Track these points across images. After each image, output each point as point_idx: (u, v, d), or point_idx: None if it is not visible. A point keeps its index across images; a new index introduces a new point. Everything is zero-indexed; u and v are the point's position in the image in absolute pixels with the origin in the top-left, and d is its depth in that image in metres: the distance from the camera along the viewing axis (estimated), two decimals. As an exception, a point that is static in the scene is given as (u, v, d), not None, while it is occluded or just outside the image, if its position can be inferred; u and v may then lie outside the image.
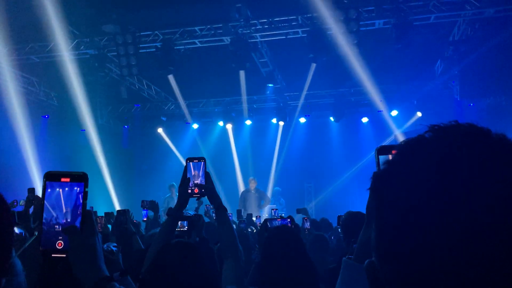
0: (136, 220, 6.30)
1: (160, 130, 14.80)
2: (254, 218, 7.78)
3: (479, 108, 12.41)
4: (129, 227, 3.86)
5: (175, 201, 2.36)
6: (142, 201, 6.34)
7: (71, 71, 10.88)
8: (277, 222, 3.19)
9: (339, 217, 4.64)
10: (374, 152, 1.27)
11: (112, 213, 6.56)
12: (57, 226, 1.12)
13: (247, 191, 11.12)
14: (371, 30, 9.26)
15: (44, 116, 12.68)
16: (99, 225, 4.86)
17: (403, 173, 0.63)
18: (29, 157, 11.13)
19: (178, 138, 15.44)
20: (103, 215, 5.56)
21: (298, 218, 12.76)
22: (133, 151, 15.37)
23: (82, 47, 10.32)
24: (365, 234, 1.34)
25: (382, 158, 1.26)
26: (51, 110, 12.77)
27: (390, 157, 1.23)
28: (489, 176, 0.56)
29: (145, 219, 6.47)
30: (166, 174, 15.42)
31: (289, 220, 3.29)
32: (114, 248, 2.32)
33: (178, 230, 3.25)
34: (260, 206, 10.86)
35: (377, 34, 9.42)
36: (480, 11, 8.56)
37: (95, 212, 6.17)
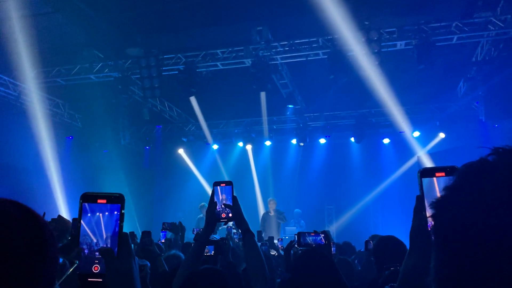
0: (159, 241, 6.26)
1: (180, 150, 14.91)
2: (275, 241, 7.68)
3: (505, 130, 12.15)
4: (154, 249, 3.85)
5: None
6: (163, 223, 6.31)
7: (96, 93, 11.13)
8: (310, 238, 3.07)
9: (366, 242, 4.52)
10: (417, 175, 1.23)
11: (133, 232, 6.57)
12: (94, 250, 1.10)
13: (267, 213, 11.06)
14: (393, 51, 9.22)
15: (69, 137, 12.95)
16: None
17: (472, 199, 0.59)
18: (53, 177, 11.32)
19: (199, 159, 15.52)
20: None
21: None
22: (154, 171, 15.49)
23: (106, 70, 10.56)
24: (409, 261, 1.29)
25: (425, 180, 1.20)
26: (75, 131, 13.04)
27: (435, 180, 1.19)
28: None
29: (163, 240, 6.41)
30: (186, 194, 15.48)
31: (322, 236, 3.13)
32: (148, 263, 2.29)
33: (205, 254, 3.21)
34: (279, 223, 10.75)
35: (399, 55, 9.38)
36: (504, 31, 8.46)
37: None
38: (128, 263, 1.09)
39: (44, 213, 5.51)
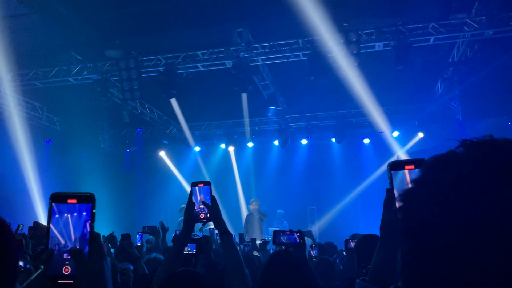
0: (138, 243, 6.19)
1: (162, 153, 14.80)
2: (258, 242, 7.68)
3: (481, 128, 12.43)
4: (133, 252, 3.81)
5: None
6: (143, 227, 6.24)
7: (74, 96, 10.97)
8: (285, 237, 3.11)
9: (346, 241, 4.56)
10: (386, 167, 1.22)
11: (112, 234, 6.47)
12: (64, 251, 1.07)
13: (250, 214, 11.05)
14: (372, 52, 9.35)
15: (47, 141, 12.72)
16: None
17: (437, 191, 0.58)
18: (31, 181, 11.11)
19: (180, 161, 15.42)
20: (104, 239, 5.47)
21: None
22: (135, 174, 15.33)
23: (85, 72, 10.41)
24: (379, 255, 1.30)
25: (395, 173, 1.21)
26: (53, 135, 12.82)
27: (406, 172, 1.19)
28: None
29: (138, 243, 6.28)
30: (168, 197, 15.36)
31: (297, 234, 3.17)
32: (131, 267, 2.26)
33: (186, 252, 3.19)
34: (261, 224, 10.74)
35: (378, 56, 9.51)
36: (479, 32, 8.66)
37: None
38: (99, 263, 1.07)
39: (23, 225, 5.37)
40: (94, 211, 1.09)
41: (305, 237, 6.94)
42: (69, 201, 1.09)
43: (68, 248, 1.07)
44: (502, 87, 9.48)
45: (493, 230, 0.52)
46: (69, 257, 1.07)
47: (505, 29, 8.48)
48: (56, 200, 1.09)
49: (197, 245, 3.12)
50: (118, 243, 4.89)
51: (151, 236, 6.45)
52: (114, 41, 9.70)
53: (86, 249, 1.07)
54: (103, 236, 5.89)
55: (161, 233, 6.22)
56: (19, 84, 10.62)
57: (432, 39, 8.97)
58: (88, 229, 1.08)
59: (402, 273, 0.63)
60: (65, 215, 1.08)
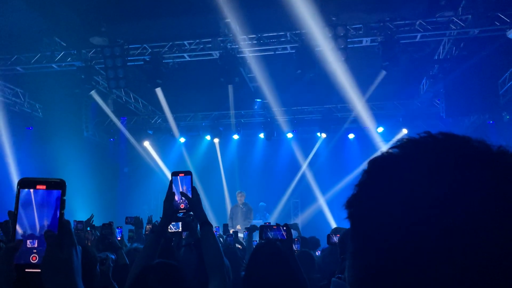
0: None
1: (146, 143, 14.67)
2: (241, 235, 7.68)
3: (464, 126, 12.61)
4: (114, 241, 3.77)
5: None
6: (126, 218, 6.17)
7: (57, 83, 10.77)
8: (271, 233, 3.12)
9: (328, 236, 4.60)
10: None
11: (91, 218, 6.39)
12: (31, 239, 1.02)
13: (235, 206, 11.03)
14: (359, 48, 9.38)
15: (29, 128, 12.47)
16: (88, 241, 4.69)
17: (376, 196, 0.58)
18: (12, 169, 10.91)
19: (165, 152, 15.32)
20: (89, 228, 5.40)
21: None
22: (119, 164, 15.18)
23: (69, 59, 10.22)
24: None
25: None
26: (35, 122, 12.57)
27: None
28: (469, 191, 0.52)
29: (118, 238, 6.17)
30: (152, 188, 15.27)
31: (284, 229, 3.17)
32: (112, 256, 2.23)
33: (171, 231, 3.16)
34: (246, 220, 10.74)
35: (365, 52, 9.55)
36: (464, 30, 8.75)
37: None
38: (68, 252, 1.02)
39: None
40: (64, 198, 1.05)
41: (291, 230, 6.99)
42: (38, 187, 1.04)
43: (36, 235, 1.03)
44: (485, 85, 9.62)
45: (432, 227, 0.52)
46: (37, 245, 1.03)
47: (491, 28, 8.58)
48: (24, 185, 1.04)
49: (182, 223, 3.09)
50: (99, 233, 4.84)
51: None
52: (100, 28, 9.54)
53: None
54: (82, 222, 5.80)
55: (144, 225, 6.17)
56: (0, 69, 10.39)
57: (419, 36, 9.03)
58: (58, 216, 1.04)
59: (350, 281, 0.61)
60: (34, 201, 1.04)
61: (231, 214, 10.92)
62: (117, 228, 5.98)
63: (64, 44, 10.16)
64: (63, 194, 1.04)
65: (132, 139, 14.39)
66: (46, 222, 1.03)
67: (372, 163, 0.62)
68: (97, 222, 8.62)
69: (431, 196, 0.53)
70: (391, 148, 0.62)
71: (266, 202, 14.37)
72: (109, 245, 3.67)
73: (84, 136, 12.60)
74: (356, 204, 0.61)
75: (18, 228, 1.02)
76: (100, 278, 2.70)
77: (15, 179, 10.72)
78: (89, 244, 4.59)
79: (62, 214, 1.04)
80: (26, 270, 1.01)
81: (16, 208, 1.02)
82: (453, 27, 8.80)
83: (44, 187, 1.04)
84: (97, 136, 14.14)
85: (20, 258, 1.02)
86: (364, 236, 0.58)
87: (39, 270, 1.00)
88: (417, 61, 10.55)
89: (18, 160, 11.11)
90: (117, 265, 3.37)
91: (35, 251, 1.02)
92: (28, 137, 12.58)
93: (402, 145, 0.62)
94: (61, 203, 1.04)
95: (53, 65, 10.29)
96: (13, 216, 1.03)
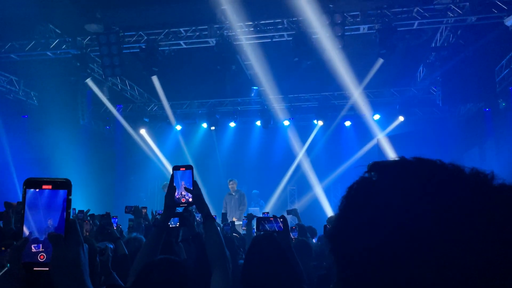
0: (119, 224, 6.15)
1: (142, 131, 14.63)
2: (240, 223, 7.72)
3: (460, 114, 12.65)
4: (113, 231, 3.78)
5: None
6: (126, 207, 6.18)
7: (52, 70, 10.68)
8: (268, 225, 3.14)
9: (325, 226, 4.63)
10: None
11: (93, 214, 6.40)
12: (38, 238, 1.04)
13: (228, 194, 11.04)
14: (356, 35, 9.33)
15: (24, 116, 12.39)
16: (86, 232, 4.70)
17: (358, 224, 0.60)
18: (7, 157, 10.86)
19: (161, 140, 15.30)
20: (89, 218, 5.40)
21: (290, 219, 12.82)
22: (115, 152, 15.15)
23: (64, 46, 10.12)
24: None
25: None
26: (30, 110, 12.49)
27: None
28: (452, 216, 0.54)
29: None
30: (148, 175, 15.28)
31: (281, 220, 3.21)
32: (111, 246, 2.24)
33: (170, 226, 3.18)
34: (239, 210, 10.76)
35: (362, 39, 9.50)
36: (462, 18, 8.71)
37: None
38: (76, 252, 1.04)
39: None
40: (70, 197, 1.07)
41: (291, 215, 7.01)
42: (44, 187, 1.06)
43: (43, 235, 1.04)
44: (481, 73, 9.62)
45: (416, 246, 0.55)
46: (43, 244, 1.04)
47: (488, 16, 8.55)
48: (30, 185, 1.06)
49: (180, 219, 3.10)
50: (98, 222, 4.85)
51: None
52: (95, 15, 9.42)
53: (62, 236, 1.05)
54: (83, 211, 5.82)
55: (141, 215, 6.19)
56: (-7, 57, 10.30)
57: (416, 24, 8.99)
58: (64, 216, 1.05)
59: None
60: (40, 201, 1.05)
61: (224, 202, 10.93)
62: (112, 217, 6.01)
63: (59, 32, 10.06)
64: (69, 193, 1.06)
65: (128, 127, 14.34)
66: (52, 222, 1.05)
67: (352, 189, 0.65)
68: (94, 210, 8.64)
69: (409, 220, 0.55)
70: (367, 172, 0.65)
71: (262, 190, 14.45)
72: (108, 235, 3.69)
73: (80, 124, 12.53)
74: (338, 235, 0.64)
75: (25, 227, 1.04)
76: (100, 269, 2.72)
77: (11, 168, 10.69)
78: (87, 234, 4.60)
79: (68, 214, 1.06)
80: (35, 268, 1.03)
81: (23, 207, 1.03)
82: (451, 14, 8.76)
83: (50, 187, 1.06)
84: (93, 124, 14.08)
85: (28, 257, 1.04)
86: (348, 264, 0.61)
87: (47, 269, 1.02)
88: (414, 49, 10.52)
89: (13, 149, 11.06)
90: (116, 255, 3.39)
91: (42, 250, 1.04)
92: (24, 125, 12.51)
93: (377, 170, 0.64)
94: (67, 203, 1.06)
95: (48, 53, 10.19)
96: (20, 216, 1.04)
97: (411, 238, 0.54)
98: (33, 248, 1.04)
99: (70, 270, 1.02)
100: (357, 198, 0.63)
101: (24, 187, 1.05)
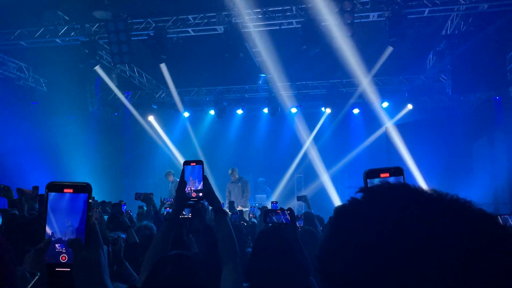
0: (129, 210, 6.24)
1: (151, 118, 14.70)
2: (247, 209, 7.76)
3: (469, 102, 12.53)
4: (124, 220, 3.84)
5: None
6: (136, 193, 6.21)
7: (61, 57, 10.72)
8: (275, 217, 3.18)
9: (330, 218, 4.65)
10: (362, 176, 1.16)
11: (104, 201, 6.49)
12: (60, 240, 1.09)
13: (231, 183, 11.07)
14: (365, 22, 9.23)
15: (33, 103, 12.49)
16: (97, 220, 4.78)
17: (346, 246, 0.61)
18: (17, 143, 10.96)
19: (169, 126, 15.36)
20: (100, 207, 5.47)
21: (298, 206, 12.84)
22: (124, 138, 15.26)
23: (72, 33, 10.13)
24: None
25: (370, 182, 1.14)
26: (40, 96, 12.56)
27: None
28: (438, 243, 0.55)
29: None
30: (157, 162, 15.39)
31: (288, 212, 3.24)
32: (123, 236, 2.27)
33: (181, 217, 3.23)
34: (243, 197, 10.79)
35: (371, 26, 9.40)
36: (473, 5, 8.59)
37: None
38: (96, 254, 1.09)
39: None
40: (90, 200, 1.10)
41: (301, 202, 6.99)
42: (65, 190, 1.10)
43: (65, 237, 1.09)
44: (492, 61, 9.50)
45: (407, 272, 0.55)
46: (65, 246, 1.09)
47: (500, 3, 8.42)
48: (52, 189, 1.10)
49: (192, 209, 3.13)
50: (109, 210, 4.92)
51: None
52: (103, 2, 9.39)
53: (83, 239, 1.09)
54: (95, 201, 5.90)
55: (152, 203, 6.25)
56: (3, 44, 10.33)
57: (426, 11, 8.87)
58: (85, 218, 1.09)
59: None
60: (63, 203, 1.09)
61: (227, 191, 10.97)
62: (123, 204, 6.09)
63: (67, 18, 10.06)
64: (89, 197, 1.10)
65: (136, 114, 14.41)
66: (73, 224, 1.09)
67: (339, 213, 0.66)
68: (103, 196, 8.75)
69: (393, 247, 0.57)
70: (356, 195, 0.66)
71: (269, 177, 14.52)
72: (119, 224, 3.75)
73: (89, 111, 12.61)
74: (328, 255, 0.65)
75: (47, 229, 1.08)
76: (112, 259, 2.78)
77: (20, 154, 10.79)
78: (95, 221, 4.67)
79: (89, 217, 1.10)
80: (57, 269, 1.08)
81: (45, 210, 1.07)
82: (462, 1, 8.63)
83: (71, 190, 1.10)
84: (102, 110, 14.16)
85: (51, 258, 1.08)
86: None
87: (69, 269, 1.07)
88: (424, 36, 10.39)
89: (22, 135, 11.16)
90: (127, 244, 3.45)
91: (64, 251, 1.09)
92: (33, 111, 12.61)
93: (364, 195, 0.65)
94: (87, 206, 1.09)
95: (57, 40, 10.22)
96: (42, 218, 1.09)
97: (386, 263, 0.56)
98: (57, 247, 1.08)
99: (91, 271, 1.07)
100: (341, 221, 0.65)
101: (46, 190, 1.09)
